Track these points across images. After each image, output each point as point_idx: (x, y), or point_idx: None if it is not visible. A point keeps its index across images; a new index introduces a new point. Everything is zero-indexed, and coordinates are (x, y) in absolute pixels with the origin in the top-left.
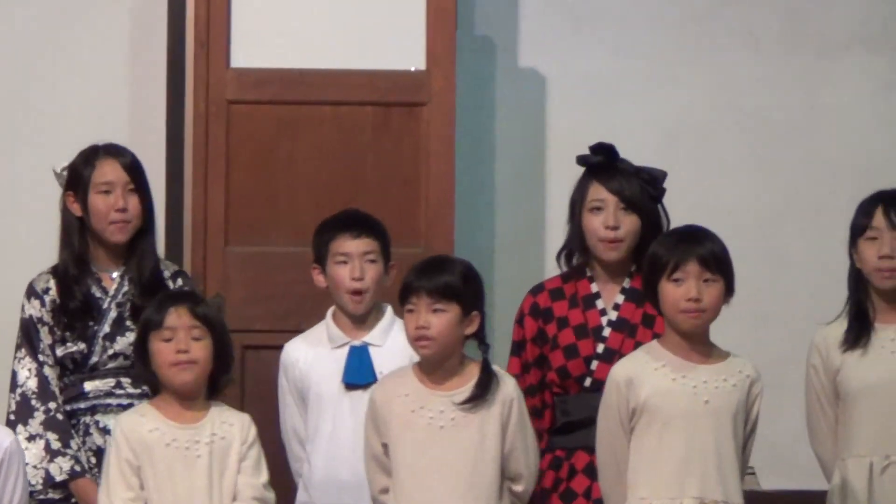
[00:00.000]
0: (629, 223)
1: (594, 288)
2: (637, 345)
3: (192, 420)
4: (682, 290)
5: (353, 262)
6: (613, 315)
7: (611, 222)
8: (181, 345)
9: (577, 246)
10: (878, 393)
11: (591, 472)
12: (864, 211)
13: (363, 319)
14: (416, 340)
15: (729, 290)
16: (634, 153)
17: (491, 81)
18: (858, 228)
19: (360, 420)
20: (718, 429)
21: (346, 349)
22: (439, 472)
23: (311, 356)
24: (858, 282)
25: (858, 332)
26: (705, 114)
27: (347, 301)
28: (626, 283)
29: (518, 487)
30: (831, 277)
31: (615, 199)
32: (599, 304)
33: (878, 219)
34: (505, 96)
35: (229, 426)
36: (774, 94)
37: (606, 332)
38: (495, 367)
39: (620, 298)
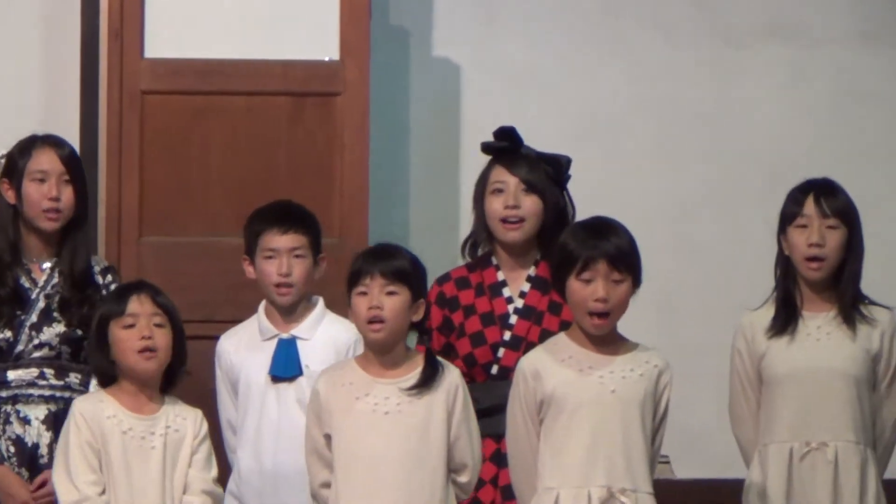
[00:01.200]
0: (530, 203)
1: (500, 276)
2: (544, 332)
3: (149, 411)
4: (589, 290)
5: (280, 258)
6: (520, 303)
7: (510, 202)
8: (144, 331)
9: (481, 232)
10: (801, 380)
11: (497, 459)
12: (795, 199)
13: (293, 312)
14: (368, 323)
15: (636, 283)
16: (547, 142)
17: (405, 71)
18: (788, 216)
19: (284, 412)
20: (625, 418)
21: (274, 342)
22: (384, 457)
23: (242, 347)
24: (787, 269)
25: (786, 319)
26: (618, 104)
27: (274, 292)
28: (532, 271)
29: (463, 478)
30: (744, 267)
31: (516, 181)
32: (506, 292)
33: (809, 207)
34: (419, 86)
35: (182, 419)
36: (686, 84)
37: (513, 319)
38: (439, 357)
39: (526, 286)
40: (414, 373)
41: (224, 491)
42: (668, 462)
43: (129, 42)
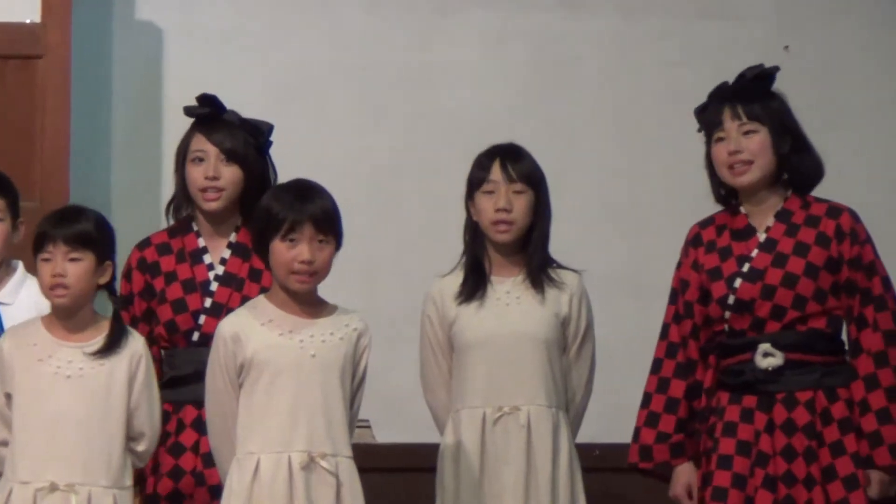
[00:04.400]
0: (229, 174)
1: (201, 243)
2: (244, 298)
3: None
4: (294, 252)
5: None
6: (220, 269)
7: (210, 173)
8: None
9: (182, 198)
10: (492, 345)
11: (199, 426)
12: (481, 164)
13: None
14: (51, 289)
15: (338, 246)
16: (250, 106)
17: (108, 34)
18: (476, 181)
19: None
20: (326, 382)
21: None
22: (63, 421)
23: None
24: (475, 235)
25: (474, 284)
26: (321, 68)
27: None
28: (233, 238)
29: (140, 447)
30: (446, 231)
31: (216, 151)
32: (206, 258)
33: (496, 172)
34: (122, 49)
35: None
36: (389, 48)
37: (214, 286)
38: (127, 326)
39: (227, 253)
40: (99, 337)
41: None
42: (368, 426)
43: None
